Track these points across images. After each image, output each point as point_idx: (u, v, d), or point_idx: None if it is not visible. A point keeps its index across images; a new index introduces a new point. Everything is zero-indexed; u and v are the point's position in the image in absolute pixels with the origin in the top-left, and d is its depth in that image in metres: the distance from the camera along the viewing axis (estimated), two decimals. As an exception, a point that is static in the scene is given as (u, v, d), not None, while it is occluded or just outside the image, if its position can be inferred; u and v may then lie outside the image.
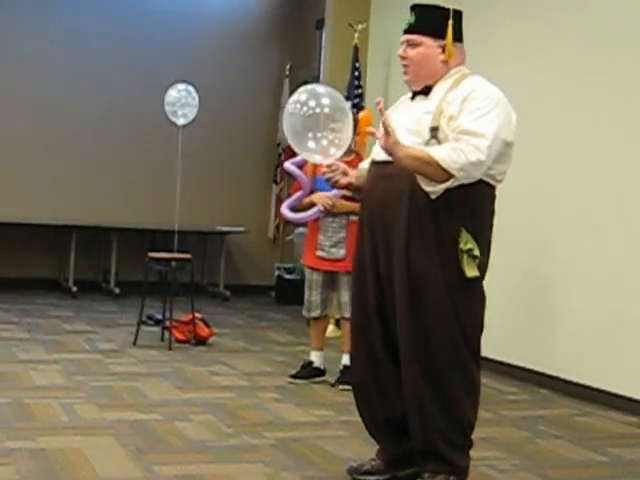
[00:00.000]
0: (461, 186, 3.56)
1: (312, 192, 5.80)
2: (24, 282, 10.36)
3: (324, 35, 9.91)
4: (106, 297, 10.19)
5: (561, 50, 6.41)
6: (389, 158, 3.64)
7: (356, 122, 5.71)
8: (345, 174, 3.88)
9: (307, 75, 10.52)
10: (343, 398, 5.52)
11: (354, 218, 5.80)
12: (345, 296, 5.92)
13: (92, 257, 10.60)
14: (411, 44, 3.75)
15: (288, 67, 11.28)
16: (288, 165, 5.62)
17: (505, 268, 6.14)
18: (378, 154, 3.80)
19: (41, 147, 10.58)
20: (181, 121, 8.02)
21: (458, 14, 3.76)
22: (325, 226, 5.99)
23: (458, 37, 3.76)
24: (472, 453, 3.82)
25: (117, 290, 10.18)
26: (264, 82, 11.44)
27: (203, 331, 7.41)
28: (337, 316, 6.51)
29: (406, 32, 3.77)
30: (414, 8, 3.78)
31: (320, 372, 6.14)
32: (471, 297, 3.69)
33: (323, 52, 9.96)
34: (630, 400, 5.69)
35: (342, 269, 5.93)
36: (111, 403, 5.19)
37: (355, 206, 5.62)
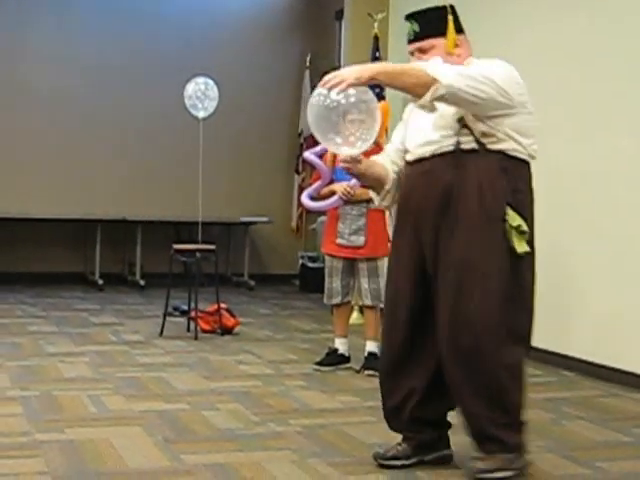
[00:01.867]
0: (502, 163, 3.62)
1: (331, 182, 5.82)
2: (51, 276, 10.46)
3: (344, 26, 9.90)
4: (132, 289, 10.27)
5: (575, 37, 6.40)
6: (424, 155, 3.72)
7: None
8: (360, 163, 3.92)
9: (328, 66, 10.52)
10: (368, 384, 5.54)
11: (374, 206, 5.82)
12: (365, 283, 5.96)
13: (117, 250, 10.70)
14: (422, 51, 3.80)
15: (308, 58, 11.28)
16: (308, 155, 5.63)
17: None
18: (411, 154, 3.84)
19: (64, 143, 10.65)
20: (201, 114, 8.06)
21: (453, 8, 3.82)
22: (344, 214, 6.02)
23: (460, 29, 3.82)
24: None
25: (142, 282, 10.25)
26: (285, 74, 11.46)
27: (228, 321, 7.45)
28: (360, 303, 6.53)
29: (414, 41, 3.82)
30: (414, 17, 3.83)
31: (345, 359, 6.16)
32: (521, 275, 3.69)
33: (343, 42, 9.97)
34: (654, 381, 5.69)
35: (362, 256, 5.97)
36: (138, 394, 5.24)
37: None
